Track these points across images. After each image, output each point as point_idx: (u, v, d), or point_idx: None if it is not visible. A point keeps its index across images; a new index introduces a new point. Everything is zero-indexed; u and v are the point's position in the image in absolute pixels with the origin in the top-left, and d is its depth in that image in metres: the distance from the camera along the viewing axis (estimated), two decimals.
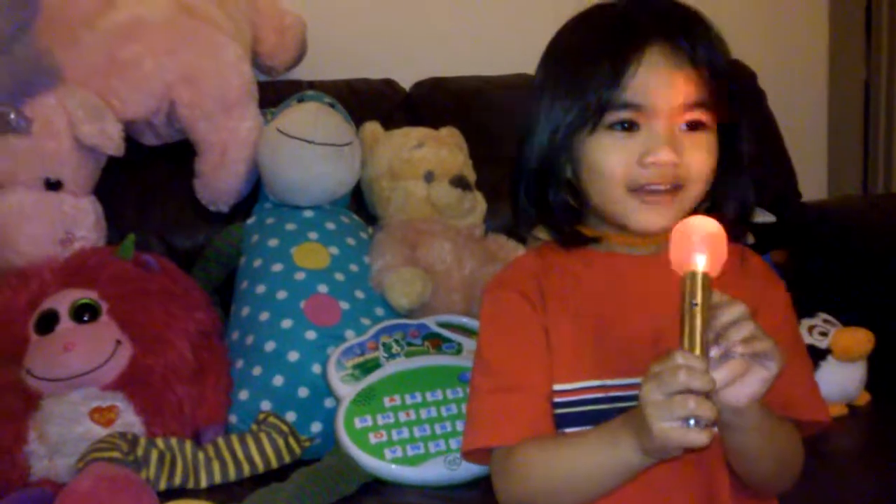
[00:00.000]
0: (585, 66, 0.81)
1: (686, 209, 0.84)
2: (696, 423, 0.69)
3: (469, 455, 0.90)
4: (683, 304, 0.73)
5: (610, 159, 0.82)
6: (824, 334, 1.37)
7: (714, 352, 0.74)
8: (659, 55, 0.80)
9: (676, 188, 0.82)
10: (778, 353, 0.74)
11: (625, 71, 0.79)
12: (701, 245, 0.73)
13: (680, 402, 0.69)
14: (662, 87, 0.80)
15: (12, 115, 1.39)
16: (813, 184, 2.19)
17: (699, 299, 0.72)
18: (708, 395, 0.70)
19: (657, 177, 0.81)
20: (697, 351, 0.71)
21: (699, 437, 0.70)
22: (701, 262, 0.73)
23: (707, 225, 0.75)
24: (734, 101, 0.84)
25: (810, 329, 1.38)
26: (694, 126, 0.82)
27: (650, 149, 0.80)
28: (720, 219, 0.86)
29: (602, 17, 0.85)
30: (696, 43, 0.81)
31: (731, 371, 0.73)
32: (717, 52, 0.82)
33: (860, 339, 1.36)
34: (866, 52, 2.24)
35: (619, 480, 0.78)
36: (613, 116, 0.81)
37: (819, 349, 1.36)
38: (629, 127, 0.81)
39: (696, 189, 0.83)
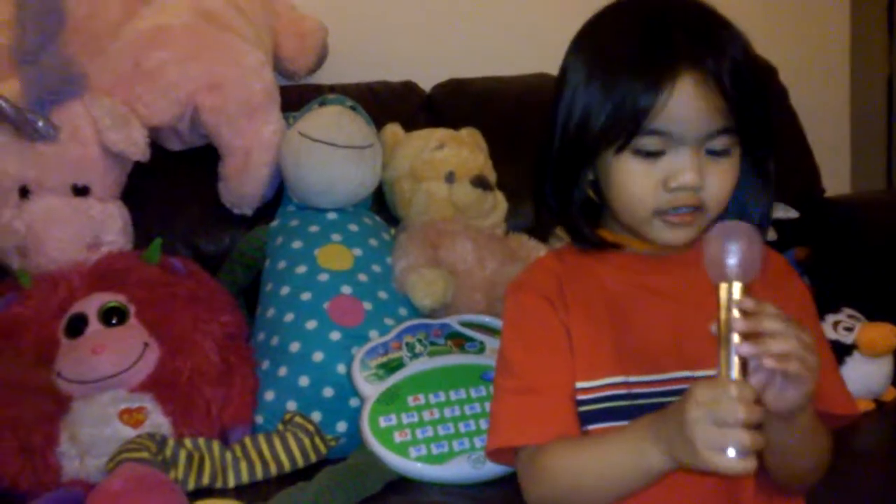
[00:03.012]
0: (619, 77, 0.81)
1: (704, 226, 0.85)
2: (746, 453, 0.70)
3: (493, 455, 0.90)
4: (720, 319, 0.72)
5: (636, 186, 0.83)
6: (849, 329, 1.36)
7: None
8: (689, 83, 0.80)
9: (698, 210, 0.83)
10: (808, 373, 0.73)
11: (657, 97, 0.79)
12: (736, 255, 0.73)
13: (733, 434, 0.69)
14: (690, 116, 0.80)
15: (40, 123, 1.41)
16: (836, 179, 2.18)
17: (737, 313, 0.72)
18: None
19: (681, 200, 0.82)
20: (735, 371, 0.71)
21: (747, 465, 0.70)
22: (735, 274, 0.72)
23: (741, 232, 0.74)
24: (764, 122, 0.84)
25: (835, 324, 1.37)
26: (718, 152, 0.83)
27: (675, 174, 0.81)
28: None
29: (637, 21, 0.84)
30: (725, 63, 0.80)
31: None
32: (744, 71, 0.81)
33: (886, 334, 1.35)
34: (889, 47, 2.22)
35: (644, 484, 0.79)
36: (641, 143, 0.82)
37: (844, 345, 1.35)
38: (655, 153, 0.82)
39: (716, 210, 0.85)
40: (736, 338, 0.72)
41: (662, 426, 0.75)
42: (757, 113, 0.83)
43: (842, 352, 1.34)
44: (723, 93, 0.80)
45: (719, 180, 0.83)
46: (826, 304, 1.40)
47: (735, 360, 0.72)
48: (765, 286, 0.88)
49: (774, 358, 0.72)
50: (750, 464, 0.70)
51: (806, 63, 2.17)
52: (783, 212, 1.69)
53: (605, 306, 0.88)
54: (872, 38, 2.24)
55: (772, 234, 1.65)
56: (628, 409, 0.84)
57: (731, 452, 0.69)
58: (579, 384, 0.86)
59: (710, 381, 0.72)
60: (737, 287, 0.72)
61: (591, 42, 0.87)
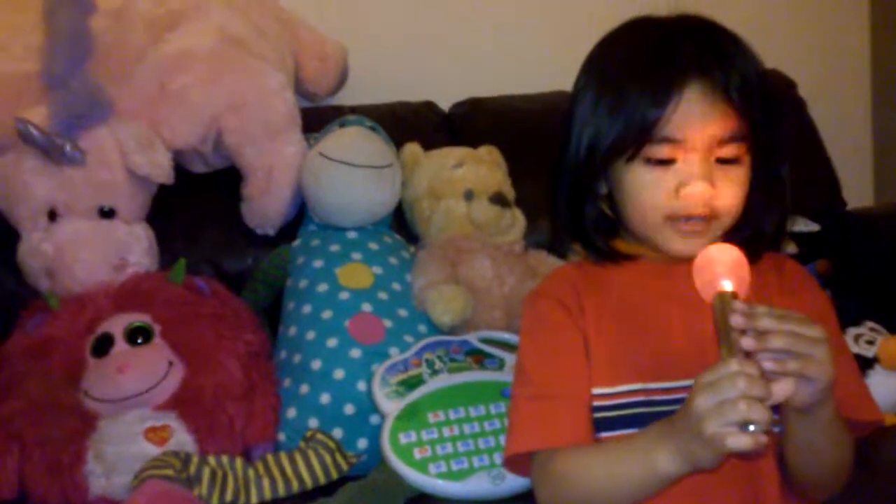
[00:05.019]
0: (628, 92, 0.83)
1: (718, 235, 0.86)
2: (754, 427, 0.70)
3: (510, 464, 0.91)
4: (718, 325, 0.74)
5: (647, 192, 0.85)
6: (871, 343, 1.36)
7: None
8: (697, 91, 0.81)
9: (710, 218, 0.84)
10: (815, 368, 0.73)
11: (665, 106, 0.81)
12: (723, 269, 0.76)
13: (732, 406, 0.69)
14: (699, 123, 0.82)
15: (68, 147, 1.44)
16: (859, 192, 2.17)
17: (731, 317, 0.74)
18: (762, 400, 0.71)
19: (692, 208, 0.83)
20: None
21: (752, 440, 0.69)
22: (727, 284, 0.76)
23: (725, 252, 0.78)
24: (774, 132, 0.86)
25: (857, 338, 1.37)
26: (728, 160, 0.84)
27: (686, 181, 0.83)
28: (758, 235, 0.88)
29: (645, 37, 0.86)
30: (733, 75, 0.82)
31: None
32: (753, 84, 0.83)
33: None
34: None
35: (655, 490, 0.80)
36: (652, 151, 0.83)
37: (866, 358, 1.34)
38: (666, 161, 0.83)
39: (728, 219, 0.86)
40: (735, 335, 0.73)
41: (671, 424, 0.76)
42: (766, 123, 0.84)
43: (863, 365, 1.33)
44: (730, 102, 0.82)
45: (730, 188, 0.84)
46: (848, 318, 1.39)
47: (737, 351, 0.72)
48: (783, 293, 0.89)
49: (773, 361, 0.73)
50: (760, 438, 0.69)
51: (826, 75, 2.17)
52: (804, 225, 1.69)
53: (624, 314, 0.89)
54: (894, 49, 2.23)
55: (792, 248, 1.65)
56: (647, 416, 0.84)
57: (738, 428, 0.69)
58: (597, 391, 0.87)
59: (712, 366, 0.73)
60: (730, 293, 0.75)
61: (602, 59, 0.89)
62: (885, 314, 1.45)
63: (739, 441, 0.69)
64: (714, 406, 0.70)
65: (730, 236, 0.88)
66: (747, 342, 0.72)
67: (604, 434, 0.86)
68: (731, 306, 0.74)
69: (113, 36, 1.61)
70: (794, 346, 0.73)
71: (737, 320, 0.73)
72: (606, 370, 0.87)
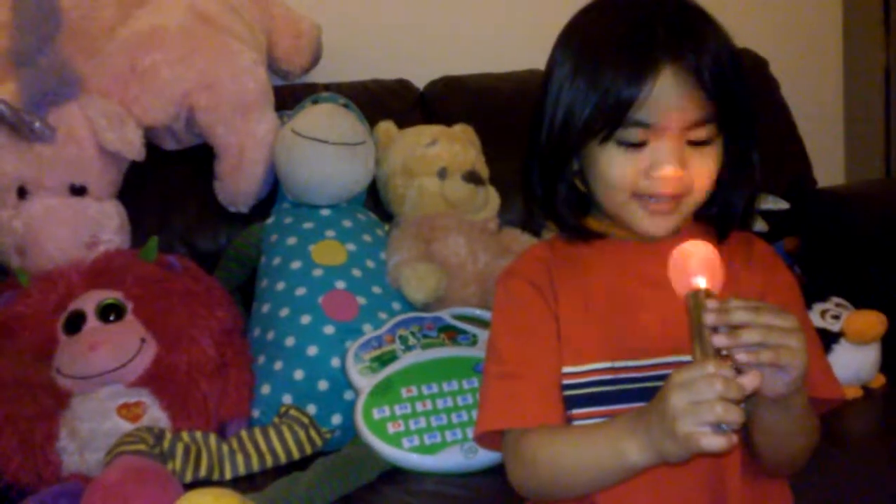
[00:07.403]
0: (602, 75, 0.83)
1: (687, 213, 0.87)
2: (726, 427, 0.71)
3: (481, 440, 0.92)
4: (692, 322, 0.75)
5: (618, 172, 0.85)
6: (836, 318, 1.37)
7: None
8: (671, 76, 0.82)
9: (679, 196, 0.85)
10: (790, 358, 0.75)
11: (639, 91, 0.81)
12: (699, 267, 0.77)
13: (709, 407, 0.71)
14: (672, 108, 0.82)
15: (37, 125, 1.43)
16: (831, 171, 2.19)
17: (705, 315, 0.75)
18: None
19: (662, 188, 0.84)
20: (711, 357, 0.74)
21: (725, 441, 0.71)
22: (702, 282, 0.77)
23: (701, 249, 0.78)
24: (745, 114, 0.86)
25: (823, 313, 1.38)
26: (699, 142, 0.85)
27: (656, 163, 0.83)
28: (727, 213, 0.89)
29: (621, 17, 0.86)
30: (706, 59, 0.83)
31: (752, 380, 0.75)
32: (725, 66, 0.83)
33: (872, 322, 1.36)
34: (885, 39, 2.22)
35: (621, 478, 0.81)
36: (624, 134, 0.83)
37: (831, 332, 1.36)
38: (638, 143, 0.84)
39: (698, 197, 0.86)
40: (708, 332, 0.74)
41: (642, 418, 0.77)
42: (737, 105, 0.85)
43: (829, 340, 1.35)
44: (702, 86, 0.82)
45: (701, 168, 0.85)
46: (814, 293, 1.42)
47: (710, 349, 0.74)
48: (751, 274, 0.90)
49: (746, 353, 0.74)
50: (732, 439, 0.71)
51: (798, 55, 2.18)
52: (773, 203, 1.71)
53: (594, 293, 0.90)
54: (866, 29, 2.25)
55: (762, 225, 1.67)
56: (614, 394, 0.86)
57: (710, 429, 0.71)
58: (566, 369, 0.88)
59: (687, 364, 0.74)
60: (703, 291, 0.76)
61: (576, 37, 0.89)
62: (851, 290, 1.47)
63: (713, 442, 0.71)
64: (689, 406, 0.71)
65: (699, 214, 0.89)
66: (720, 340, 0.74)
67: (573, 411, 0.87)
68: (705, 305, 0.75)
69: (83, 12, 1.60)
70: (768, 339, 0.74)
71: (710, 320, 0.74)
72: (575, 349, 0.88)
